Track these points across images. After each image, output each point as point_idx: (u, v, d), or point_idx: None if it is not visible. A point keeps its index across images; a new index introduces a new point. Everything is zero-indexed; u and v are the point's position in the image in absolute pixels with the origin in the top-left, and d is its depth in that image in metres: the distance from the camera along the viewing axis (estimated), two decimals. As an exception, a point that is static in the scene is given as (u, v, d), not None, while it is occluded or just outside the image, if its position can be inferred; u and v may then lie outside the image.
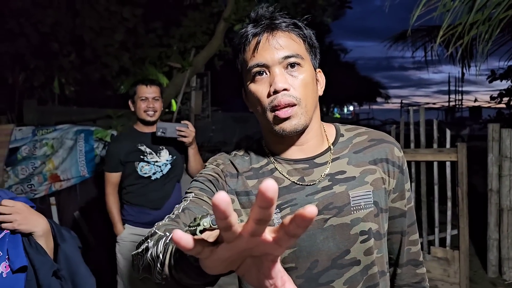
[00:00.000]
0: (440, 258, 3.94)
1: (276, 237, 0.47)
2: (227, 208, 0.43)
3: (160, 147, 2.71)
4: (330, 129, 1.09)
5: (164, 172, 2.70)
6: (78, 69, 7.19)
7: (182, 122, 2.59)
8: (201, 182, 1.00)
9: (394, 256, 1.11)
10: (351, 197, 0.98)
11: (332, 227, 0.97)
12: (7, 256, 1.24)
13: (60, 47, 6.76)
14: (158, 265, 0.70)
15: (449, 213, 4.03)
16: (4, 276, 1.22)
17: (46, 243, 1.30)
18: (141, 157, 2.68)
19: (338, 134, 1.07)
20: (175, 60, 6.24)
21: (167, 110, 7.12)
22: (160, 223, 0.87)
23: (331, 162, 1.02)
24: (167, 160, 2.71)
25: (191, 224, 0.61)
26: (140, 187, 2.70)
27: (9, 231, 1.27)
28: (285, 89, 0.92)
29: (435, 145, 4.04)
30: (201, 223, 0.59)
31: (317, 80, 1.02)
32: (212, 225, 0.59)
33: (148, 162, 2.68)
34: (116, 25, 6.25)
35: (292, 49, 0.94)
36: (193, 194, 0.96)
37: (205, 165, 1.09)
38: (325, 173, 1.01)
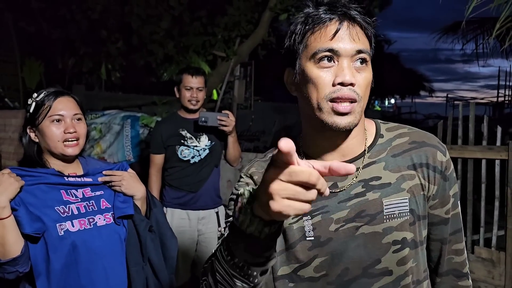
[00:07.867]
0: (485, 259, 3.81)
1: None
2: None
3: (200, 133, 2.81)
4: (370, 127, 1.03)
5: (202, 156, 2.79)
6: (125, 56, 7.37)
7: (223, 111, 2.70)
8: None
9: (433, 264, 1.06)
10: (385, 205, 0.95)
11: (364, 235, 0.95)
12: (112, 212, 1.53)
13: (108, 34, 6.94)
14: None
15: (496, 213, 3.88)
16: (108, 223, 1.52)
17: (141, 206, 1.60)
18: (182, 141, 2.78)
19: (378, 135, 1.02)
20: (219, 48, 6.28)
21: (209, 98, 7.20)
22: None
23: (362, 168, 0.97)
24: (205, 145, 2.80)
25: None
26: (179, 170, 2.81)
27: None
28: (351, 84, 0.88)
29: (484, 142, 3.89)
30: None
31: None
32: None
33: (188, 146, 2.79)
34: (163, 13, 6.35)
35: (365, 45, 0.91)
36: None
37: (241, 176, 1.06)
38: (357, 178, 0.97)
